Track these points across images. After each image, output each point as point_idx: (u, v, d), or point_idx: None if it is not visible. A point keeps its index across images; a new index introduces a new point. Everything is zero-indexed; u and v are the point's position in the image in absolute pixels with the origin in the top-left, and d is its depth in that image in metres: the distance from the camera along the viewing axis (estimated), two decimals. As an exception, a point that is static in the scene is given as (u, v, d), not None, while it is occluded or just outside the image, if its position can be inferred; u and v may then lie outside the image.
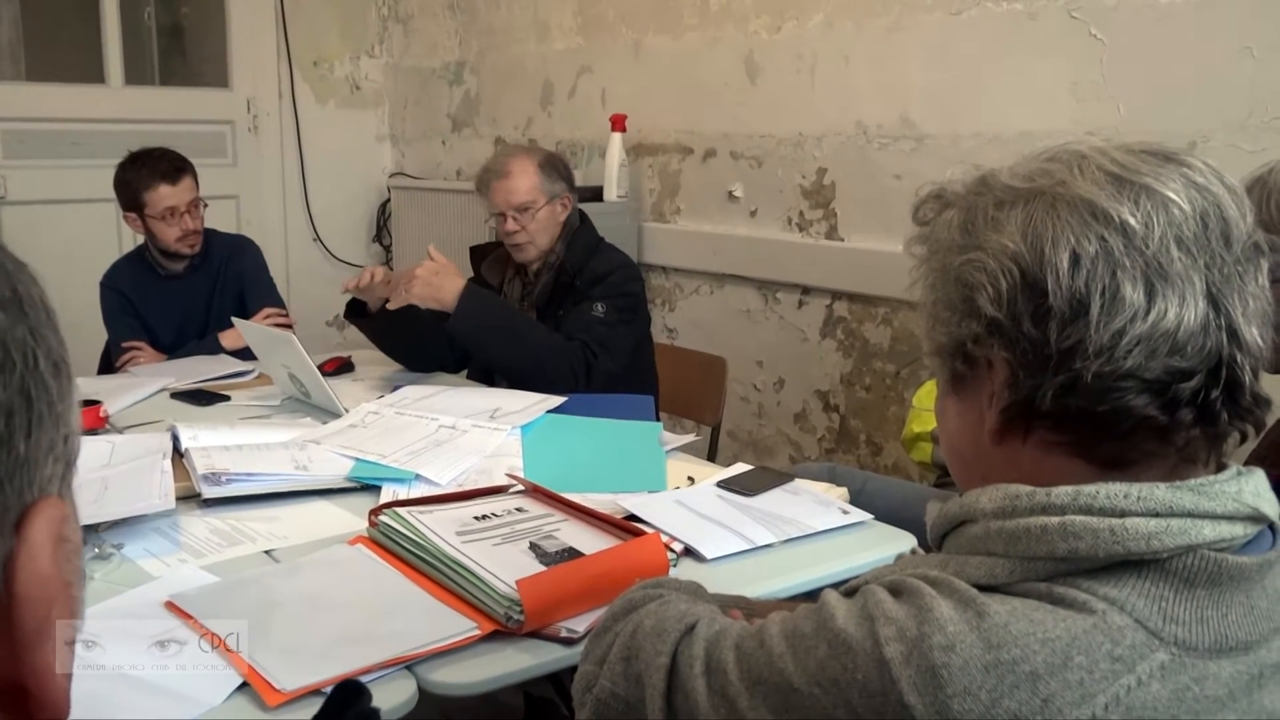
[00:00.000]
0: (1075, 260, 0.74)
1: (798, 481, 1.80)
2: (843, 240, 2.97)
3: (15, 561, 0.36)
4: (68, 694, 0.39)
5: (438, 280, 2.36)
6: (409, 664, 1.20)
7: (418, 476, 1.80)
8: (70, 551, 0.39)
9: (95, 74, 4.18)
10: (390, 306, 2.42)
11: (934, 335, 0.84)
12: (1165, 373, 0.73)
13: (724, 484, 1.78)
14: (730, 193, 3.28)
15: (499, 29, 4.16)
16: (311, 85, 4.64)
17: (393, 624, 1.27)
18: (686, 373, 2.83)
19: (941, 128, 2.70)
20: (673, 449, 2.03)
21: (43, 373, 0.39)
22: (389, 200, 4.70)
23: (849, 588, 0.82)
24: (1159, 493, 0.73)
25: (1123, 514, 0.72)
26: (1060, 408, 0.76)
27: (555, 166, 2.61)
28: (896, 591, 0.76)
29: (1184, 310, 0.73)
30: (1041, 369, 0.76)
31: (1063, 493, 0.74)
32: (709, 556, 1.50)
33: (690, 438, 2.16)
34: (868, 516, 1.67)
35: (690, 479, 1.85)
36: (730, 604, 1.04)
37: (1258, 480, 0.78)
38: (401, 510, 1.51)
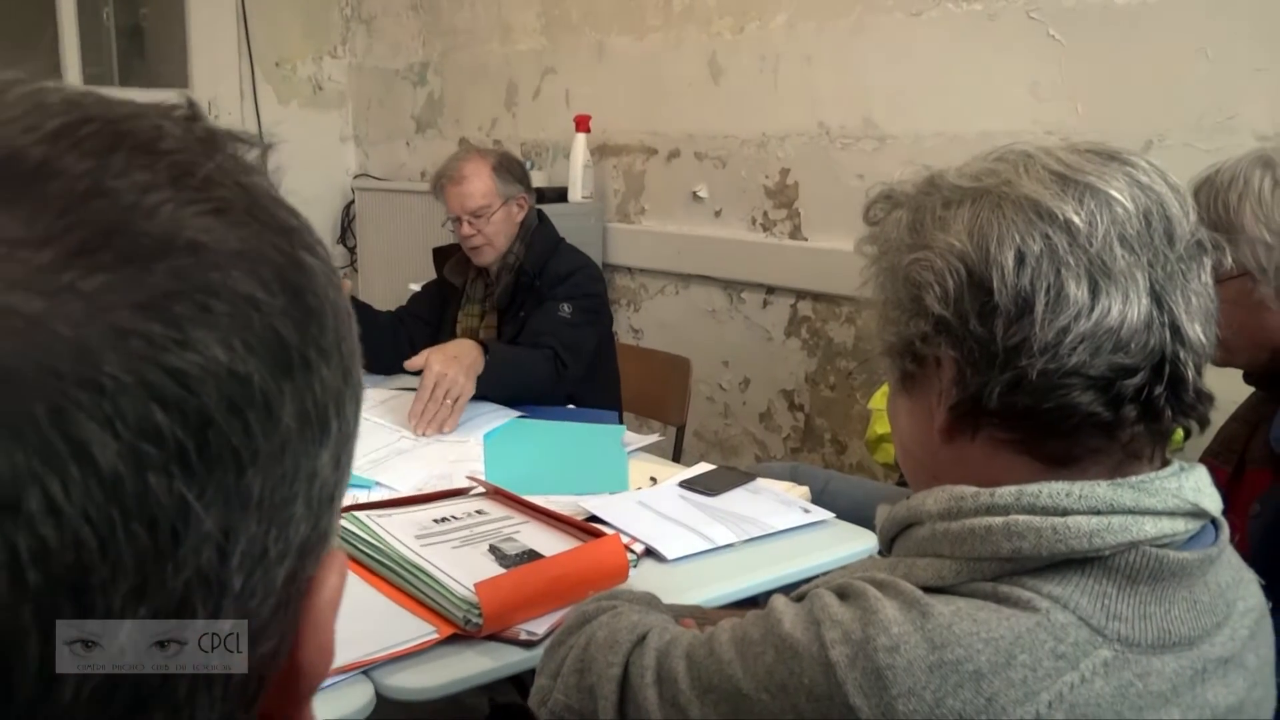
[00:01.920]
0: (1020, 258, 0.74)
1: (760, 481, 1.81)
2: (806, 240, 2.98)
3: (303, 631, 0.34)
4: None
5: (457, 365, 2.11)
6: (366, 669, 1.19)
7: (378, 484, 1.79)
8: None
9: (52, 74, 4.09)
10: (447, 430, 2.11)
11: (884, 335, 0.85)
12: (1109, 369, 0.73)
13: (686, 484, 1.78)
14: (695, 193, 3.28)
15: (462, 29, 4.15)
16: (274, 86, 4.60)
17: (350, 628, 1.26)
18: (652, 373, 2.83)
19: (903, 128, 2.72)
20: (637, 449, 2.03)
21: (350, 425, 0.34)
22: (353, 202, 4.66)
23: (798, 593, 0.82)
24: (1100, 490, 0.73)
25: (1065, 512, 0.73)
26: (1007, 405, 0.76)
27: (509, 168, 2.59)
28: (843, 594, 0.76)
29: (1127, 307, 0.73)
30: (988, 366, 0.76)
31: (1006, 493, 0.75)
32: (670, 557, 1.50)
33: (655, 438, 2.16)
34: (829, 515, 1.67)
35: (653, 479, 1.85)
36: (684, 613, 1.04)
37: (1199, 476, 0.78)
38: (360, 514, 1.50)
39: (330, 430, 0.33)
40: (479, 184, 2.52)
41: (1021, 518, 0.73)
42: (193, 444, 0.27)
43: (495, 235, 2.54)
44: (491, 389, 2.21)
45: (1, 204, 0.27)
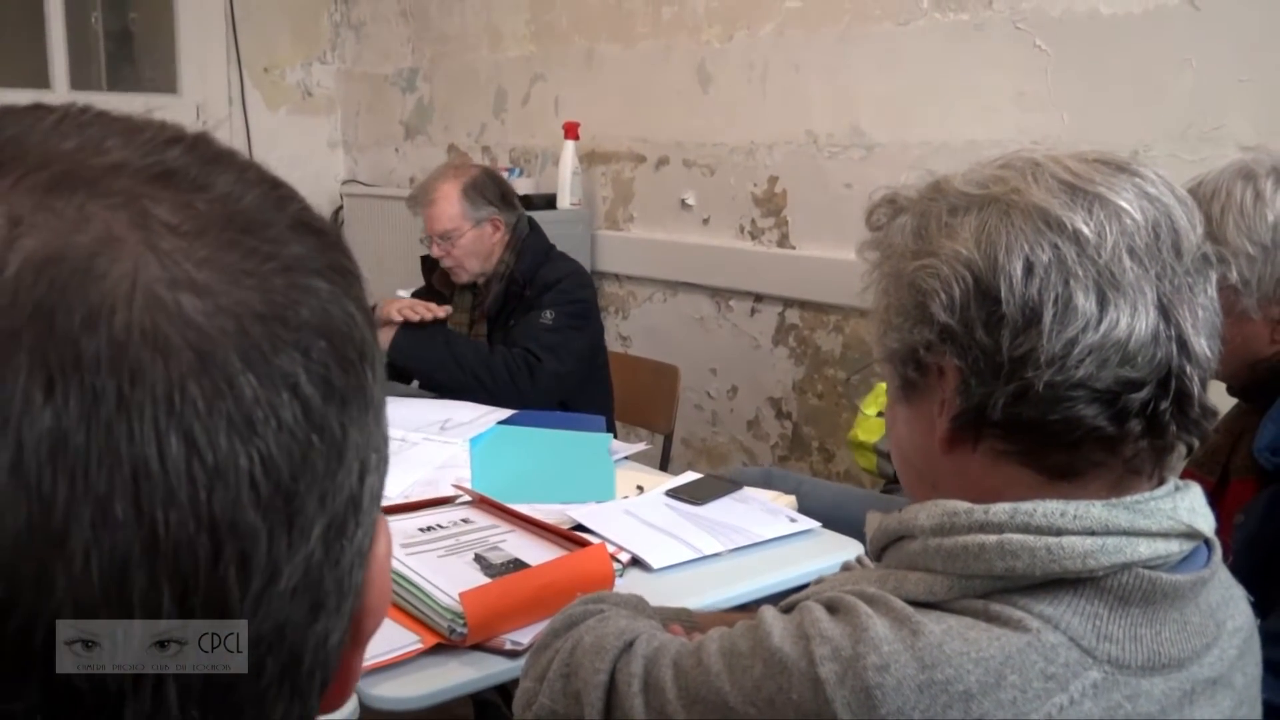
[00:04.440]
0: (1029, 268, 0.73)
1: (746, 490, 1.81)
2: (794, 248, 2.98)
3: (369, 575, 0.38)
4: None
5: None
6: (350, 679, 1.19)
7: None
8: None
9: (40, 79, 4.11)
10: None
11: (885, 341, 0.83)
12: (1116, 383, 0.72)
13: (673, 493, 1.78)
14: (683, 201, 3.28)
15: (452, 36, 4.14)
16: (263, 91, 4.59)
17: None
18: (639, 381, 2.83)
19: (890, 136, 2.72)
20: (625, 458, 2.03)
21: (382, 423, 0.38)
22: (341, 208, 4.65)
23: (787, 604, 0.82)
24: (1095, 511, 0.72)
25: (1059, 532, 0.72)
26: (1011, 416, 0.75)
27: (481, 190, 2.55)
28: (833, 609, 0.75)
29: (1135, 320, 0.72)
30: (993, 377, 0.75)
31: (1000, 510, 0.74)
32: (656, 566, 1.50)
33: (642, 446, 2.16)
34: (815, 525, 1.67)
35: (640, 488, 1.85)
36: (671, 618, 1.04)
37: (1193, 496, 0.78)
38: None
39: (382, 403, 0.39)
40: (446, 208, 2.52)
41: (1015, 536, 0.72)
42: (345, 383, 0.33)
43: (465, 258, 2.53)
44: (406, 359, 2.45)
45: (170, 204, 0.32)
